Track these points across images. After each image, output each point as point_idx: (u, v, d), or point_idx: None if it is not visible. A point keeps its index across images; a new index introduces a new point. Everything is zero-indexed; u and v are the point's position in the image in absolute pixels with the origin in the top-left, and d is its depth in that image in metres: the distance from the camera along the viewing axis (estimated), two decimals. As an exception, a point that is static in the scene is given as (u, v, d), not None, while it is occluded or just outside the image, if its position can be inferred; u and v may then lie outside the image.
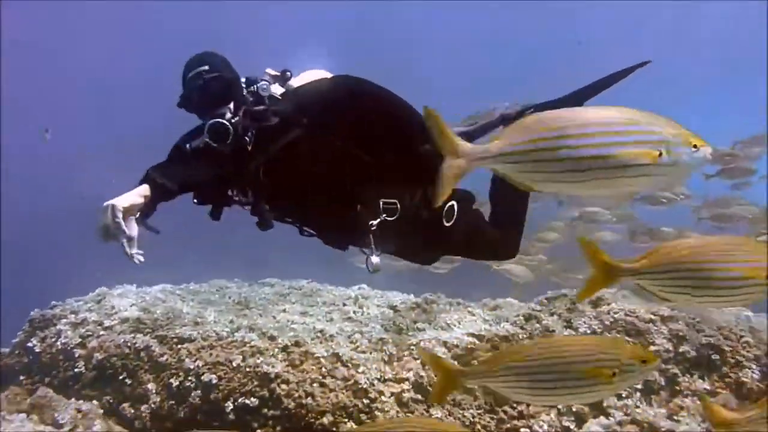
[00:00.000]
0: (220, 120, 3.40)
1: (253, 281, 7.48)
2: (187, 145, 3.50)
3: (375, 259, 3.71)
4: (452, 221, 3.87)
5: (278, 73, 3.70)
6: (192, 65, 3.56)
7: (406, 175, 3.75)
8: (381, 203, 3.67)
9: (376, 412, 4.73)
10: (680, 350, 5.03)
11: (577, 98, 4.41)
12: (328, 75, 3.93)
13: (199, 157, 3.48)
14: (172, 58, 3.71)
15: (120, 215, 2.87)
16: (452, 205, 3.86)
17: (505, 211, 4.27)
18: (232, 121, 3.43)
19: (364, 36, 21.00)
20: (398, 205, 3.70)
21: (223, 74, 3.53)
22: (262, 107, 3.52)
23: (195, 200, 3.67)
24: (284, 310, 6.25)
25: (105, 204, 2.89)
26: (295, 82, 3.78)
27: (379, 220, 3.65)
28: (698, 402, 4.75)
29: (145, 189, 3.06)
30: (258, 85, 3.61)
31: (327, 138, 3.54)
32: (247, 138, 3.45)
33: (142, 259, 2.96)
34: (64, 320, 5.52)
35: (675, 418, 4.62)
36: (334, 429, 4.67)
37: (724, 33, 21.17)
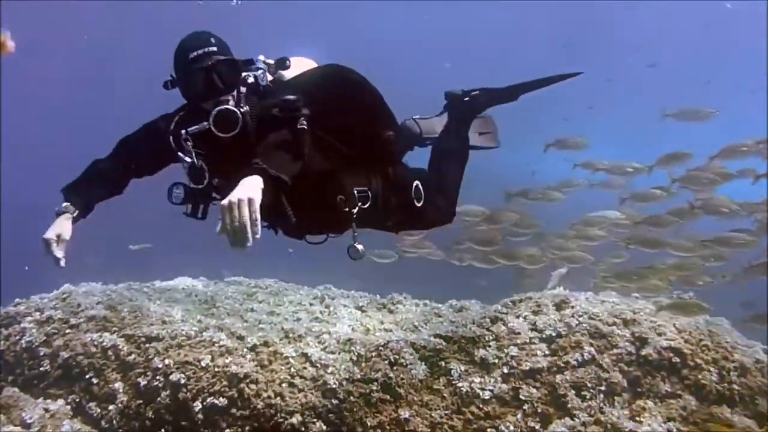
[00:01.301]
0: (229, 107, 3.43)
1: (219, 280, 7.46)
2: (183, 131, 3.48)
3: (359, 246, 3.80)
4: (422, 201, 4.03)
5: (272, 62, 3.70)
6: (194, 44, 3.50)
7: (371, 162, 3.88)
8: (355, 191, 3.75)
9: (345, 413, 4.76)
10: (642, 353, 5.14)
11: (516, 91, 4.88)
12: (314, 63, 4.00)
13: (199, 144, 3.50)
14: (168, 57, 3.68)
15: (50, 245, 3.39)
16: (417, 185, 4.00)
17: (448, 175, 4.56)
18: (242, 109, 3.45)
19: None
20: (368, 192, 3.80)
21: (232, 58, 3.53)
22: (276, 99, 3.50)
23: (173, 201, 3.68)
24: (252, 309, 6.26)
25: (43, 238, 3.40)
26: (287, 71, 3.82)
27: (357, 207, 3.74)
28: (659, 403, 4.89)
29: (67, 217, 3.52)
30: (257, 74, 3.63)
31: (316, 128, 3.55)
32: (249, 128, 3.47)
33: (62, 264, 3.42)
34: (29, 318, 5.44)
35: (637, 419, 4.72)
36: (303, 429, 4.69)
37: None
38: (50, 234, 3.42)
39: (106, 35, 20.88)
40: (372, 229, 4.16)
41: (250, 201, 2.84)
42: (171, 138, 3.59)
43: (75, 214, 3.56)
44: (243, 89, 3.58)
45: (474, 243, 7.75)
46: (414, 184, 4.05)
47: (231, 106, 3.44)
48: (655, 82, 21.10)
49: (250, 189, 2.90)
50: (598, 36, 22.32)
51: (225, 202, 2.83)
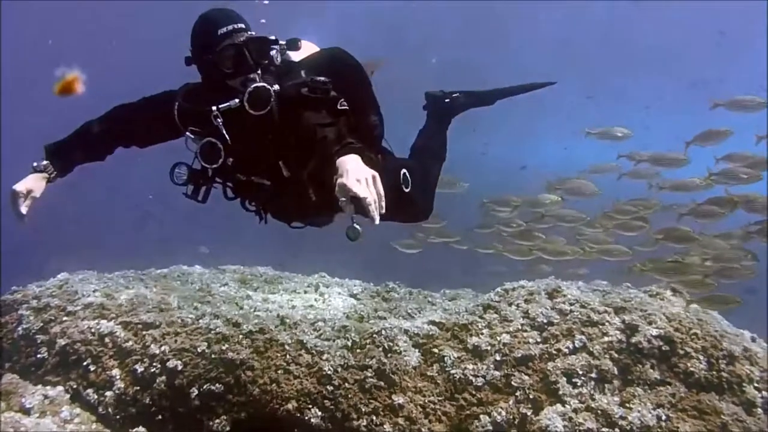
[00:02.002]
0: (264, 85, 3.46)
1: (214, 267, 7.50)
2: (214, 107, 3.48)
3: (358, 226, 3.83)
4: (410, 187, 4.09)
5: (284, 43, 3.69)
6: (224, 20, 3.51)
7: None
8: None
9: (340, 399, 4.82)
10: (632, 341, 5.22)
11: (494, 96, 5.07)
12: (315, 46, 4.06)
13: (228, 120, 3.51)
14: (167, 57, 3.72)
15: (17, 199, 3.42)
16: (404, 172, 4.05)
17: (426, 173, 4.58)
18: (273, 88, 3.47)
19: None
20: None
21: (262, 36, 3.55)
22: (300, 79, 3.57)
23: (175, 181, 3.71)
24: (247, 297, 6.31)
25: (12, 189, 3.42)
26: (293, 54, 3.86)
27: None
28: (649, 390, 4.96)
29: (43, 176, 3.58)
30: (272, 54, 3.64)
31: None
32: (274, 107, 3.50)
33: (25, 221, 3.45)
34: (26, 306, 5.49)
35: (627, 405, 4.81)
36: (299, 415, 4.75)
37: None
38: (21, 187, 3.45)
39: (99, 34, 20.78)
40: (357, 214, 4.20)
41: (375, 177, 2.91)
42: (178, 115, 3.62)
43: (51, 176, 3.61)
44: (270, 67, 3.62)
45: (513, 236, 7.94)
46: (401, 171, 4.11)
47: (262, 83, 3.47)
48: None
49: (365, 167, 2.96)
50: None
51: (353, 180, 2.86)
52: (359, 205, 2.85)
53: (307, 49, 3.98)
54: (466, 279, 7.37)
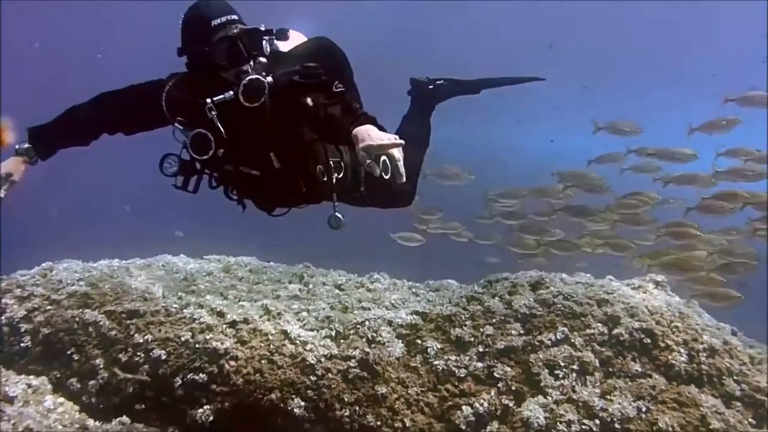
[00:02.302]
0: (258, 77, 3.47)
1: (198, 257, 7.49)
2: (209, 100, 3.49)
3: (339, 215, 3.92)
4: (389, 174, 4.12)
5: (272, 31, 3.68)
6: (216, 12, 3.52)
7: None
8: (331, 162, 3.85)
9: (323, 389, 4.84)
10: (614, 333, 5.26)
11: (480, 86, 5.13)
12: (303, 36, 4.08)
13: (222, 112, 3.52)
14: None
15: None
16: (384, 160, 4.09)
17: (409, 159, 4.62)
18: (268, 80, 3.49)
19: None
20: (341, 163, 3.91)
21: (254, 27, 3.57)
22: (289, 68, 3.58)
23: (165, 172, 3.72)
24: (232, 287, 6.31)
25: None
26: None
27: (335, 176, 3.86)
28: (630, 382, 5.01)
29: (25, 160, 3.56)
30: (263, 44, 3.64)
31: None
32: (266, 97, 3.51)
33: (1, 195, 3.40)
34: (10, 294, 5.46)
35: (608, 397, 4.85)
36: (282, 405, 4.77)
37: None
38: (3, 170, 3.45)
39: (96, 31, 20.72)
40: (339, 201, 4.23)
41: (397, 138, 3.05)
42: (166, 104, 3.63)
43: (32, 160, 3.60)
44: (260, 59, 3.63)
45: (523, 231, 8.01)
46: (382, 158, 4.14)
47: (256, 75, 3.48)
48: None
49: (384, 132, 3.12)
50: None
51: (377, 141, 3.01)
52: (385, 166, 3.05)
53: (295, 39, 4.00)
54: (450, 270, 7.38)
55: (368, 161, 3.04)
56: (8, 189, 3.43)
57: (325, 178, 3.85)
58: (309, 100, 3.53)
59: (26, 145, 3.58)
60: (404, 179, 3.04)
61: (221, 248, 7.73)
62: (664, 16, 21.42)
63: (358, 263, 7.59)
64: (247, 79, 3.45)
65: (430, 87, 5.21)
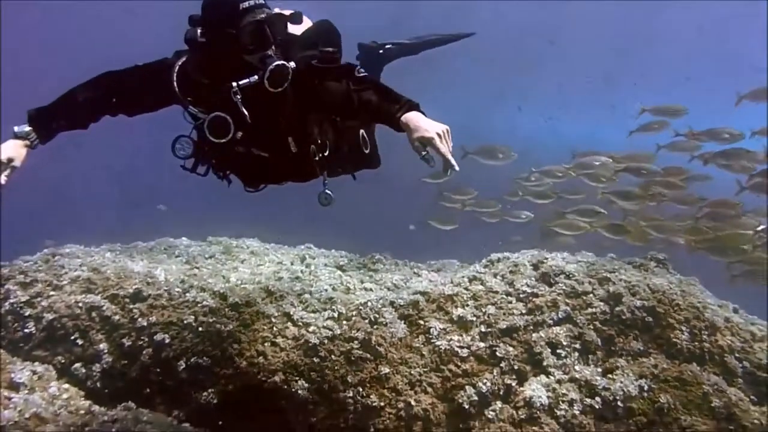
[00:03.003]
0: (283, 63, 3.52)
1: (200, 240, 7.49)
2: (234, 84, 3.52)
3: (329, 192, 4.08)
4: (369, 148, 4.22)
5: (288, 14, 3.74)
6: None
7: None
8: (319, 140, 3.94)
9: (326, 371, 4.87)
10: (616, 311, 5.27)
11: (420, 47, 5.42)
12: (309, 21, 4.13)
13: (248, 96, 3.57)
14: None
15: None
16: (362, 133, 4.20)
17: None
18: (291, 65, 3.55)
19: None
20: (327, 141, 4.00)
21: (280, 11, 3.61)
22: (314, 53, 3.69)
23: (178, 154, 3.74)
24: (234, 269, 6.32)
25: None
26: None
27: (323, 154, 3.97)
28: (632, 361, 5.02)
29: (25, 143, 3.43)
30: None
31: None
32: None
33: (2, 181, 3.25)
34: (13, 281, 5.46)
35: (610, 376, 4.87)
36: (286, 387, 4.80)
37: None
38: (3, 155, 3.29)
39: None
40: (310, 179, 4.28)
41: (448, 130, 3.19)
42: (179, 85, 3.63)
43: (33, 143, 3.49)
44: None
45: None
46: (360, 133, 4.20)
47: (281, 61, 3.52)
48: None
49: (435, 122, 3.23)
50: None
51: (433, 134, 3.14)
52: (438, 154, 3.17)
53: (306, 22, 4.06)
54: (453, 249, 7.39)
55: (423, 152, 3.17)
56: (9, 174, 3.30)
57: (317, 156, 3.93)
58: (334, 85, 3.61)
59: (26, 128, 3.47)
60: (457, 168, 3.19)
61: (224, 230, 7.72)
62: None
63: (360, 243, 7.60)
64: (273, 64, 3.47)
65: (380, 51, 5.52)
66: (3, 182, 3.27)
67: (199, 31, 3.55)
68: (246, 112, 3.58)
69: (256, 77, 3.49)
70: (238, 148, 3.77)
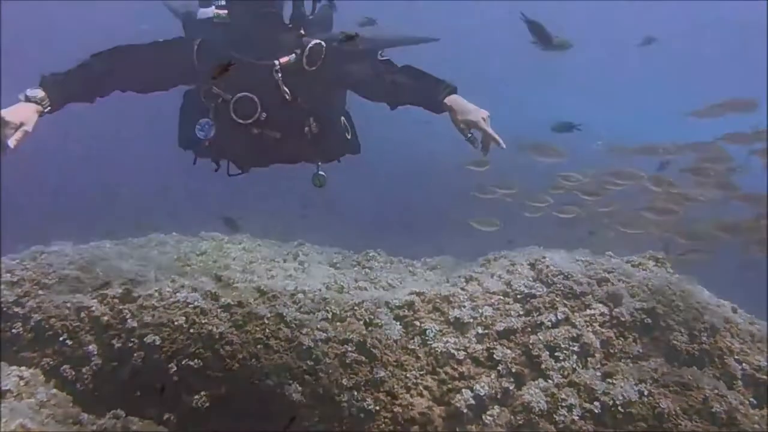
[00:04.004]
0: (319, 42, 3.64)
1: (191, 236, 7.37)
2: (277, 62, 3.59)
3: (323, 173, 4.17)
4: (350, 134, 4.31)
5: None
6: None
7: None
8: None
9: (320, 374, 4.78)
10: (614, 313, 5.20)
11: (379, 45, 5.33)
12: None
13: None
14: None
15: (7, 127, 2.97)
16: (343, 120, 4.23)
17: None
18: (324, 45, 3.65)
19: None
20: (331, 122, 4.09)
21: None
22: (337, 34, 3.71)
23: (200, 135, 3.76)
24: (226, 267, 6.20)
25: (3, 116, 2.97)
26: None
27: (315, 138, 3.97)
28: (631, 364, 4.95)
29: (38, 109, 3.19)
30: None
31: None
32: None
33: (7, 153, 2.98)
34: (-1, 279, 5.33)
35: (610, 380, 4.80)
36: (279, 390, 4.71)
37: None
38: (12, 117, 3.02)
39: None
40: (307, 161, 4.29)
41: (488, 115, 3.28)
42: (200, 63, 3.61)
43: (46, 110, 3.27)
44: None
45: None
46: (341, 120, 4.25)
47: (317, 40, 3.64)
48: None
49: (476, 107, 3.33)
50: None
51: (479, 117, 3.24)
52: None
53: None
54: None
55: (469, 134, 3.28)
56: (21, 139, 3.03)
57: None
58: (360, 65, 3.71)
59: (40, 93, 3.24)
60: (503, 145, 3.24)
61: (216, 227, 7.61)
62: None
63: (351, 240, 7.51)
64: (312, 42, 3.60)
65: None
66: (12, 146, 2.99)
67: (220, 11, 3.65)
68: (287, 90, 3.62)
69: (294, 55, 3.59)
70: (255, 129, 3.76)
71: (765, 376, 4.98)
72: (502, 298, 5.41)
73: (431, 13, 23.47)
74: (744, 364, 5.05)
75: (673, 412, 4.57)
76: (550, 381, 4.83)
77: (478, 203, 8.87)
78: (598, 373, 4.89)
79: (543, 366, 4.92)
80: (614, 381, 4.77)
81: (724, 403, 4.65)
